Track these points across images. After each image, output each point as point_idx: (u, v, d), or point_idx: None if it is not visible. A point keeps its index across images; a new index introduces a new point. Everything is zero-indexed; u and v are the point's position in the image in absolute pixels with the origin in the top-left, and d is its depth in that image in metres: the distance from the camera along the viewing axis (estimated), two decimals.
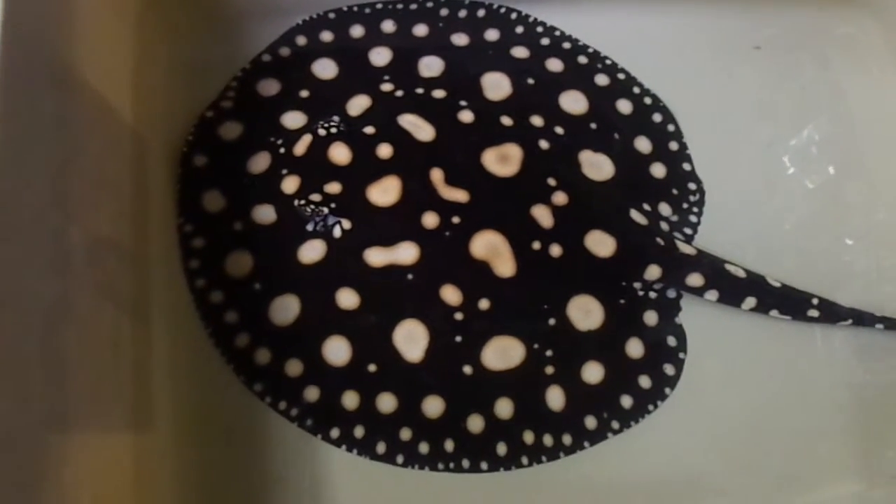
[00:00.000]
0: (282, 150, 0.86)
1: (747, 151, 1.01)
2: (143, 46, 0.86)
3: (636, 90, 1.00)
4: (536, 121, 0.93)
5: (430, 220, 0.83)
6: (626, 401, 0.85)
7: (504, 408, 0.83)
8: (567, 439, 0.83)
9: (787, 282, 0.91)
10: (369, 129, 0.86)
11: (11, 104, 0.57)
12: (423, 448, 0.81)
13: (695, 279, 0.89)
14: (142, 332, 0.78)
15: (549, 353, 0.84)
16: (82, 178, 0.69)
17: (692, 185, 0.97)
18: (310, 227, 0.84)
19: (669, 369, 0.88)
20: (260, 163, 0.87)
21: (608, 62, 1.01)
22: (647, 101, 1.00)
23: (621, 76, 1.01)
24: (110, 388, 0.70)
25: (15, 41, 0.59)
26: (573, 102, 0.96)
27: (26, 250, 0.58)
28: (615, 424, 0.85)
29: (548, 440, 0.83)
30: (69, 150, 0.67)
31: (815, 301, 0.91)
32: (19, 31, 0.59)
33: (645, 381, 0.87)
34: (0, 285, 0.53)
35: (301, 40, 0.97)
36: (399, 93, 0.92)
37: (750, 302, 0.90)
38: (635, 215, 0.90)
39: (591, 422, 0.84)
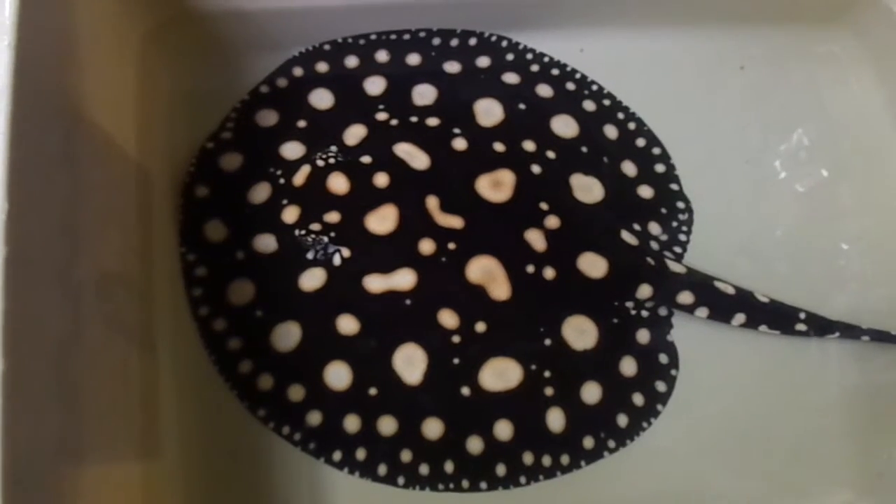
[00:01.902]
0: (281, 181, 0.88)
1: (735, 164, 1.04)
2: (144, 81, 0.88)
3: (620, 115, 1.03)
4: (528, 146, 0.95)
5: (426, 246, 0.85)
6: (622, 419, 0.87)
7: (503, 429, 0.84)
8: (565, 459, 0.85)
9: (782, 288, 0.94)
10: (366, 159, 0.88)
11: (23, 142, 0.59)
12: (424, 469, 0.83)
13: (685, 297, 0.91)
14: (148, 361, 0.80)
15: (546, 373, 0.86)
16: (90, 211, 0.71)
17: (680, 205, 0.99)
18: (310, 256, 0.86)
19: (661, 386, 0.90)
20: (260, 193, 0.89)
21: (594, 88, 1.04)
22: (632, 126, 1.02)
23: (606, 102, 1.03)
24: (120, 418, 0.72)
25: (25, 81, 0.61)
26: (564, 126, 0.99)
27: (39, 284, 0.60)
28: (611, 443, 0.87)
29: (546, 460, 0.85)
30: (77, 185, 0.69)
31: (802, 315, 0.93)
32: (29, 71, 0.62)
33: (638, 399, 0.89)
34: (15, 318, 0.55)
35: (297, 71, 0.99)
36: (394, 121, 0.94)
37: (739, 318, 0.92)
38: (626, 236, 0.92)
39: (588, 442, 0.86)
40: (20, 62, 0.61)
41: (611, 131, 1.01)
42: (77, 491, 0.61)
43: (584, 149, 0.98)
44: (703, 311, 0.92)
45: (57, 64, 0.69)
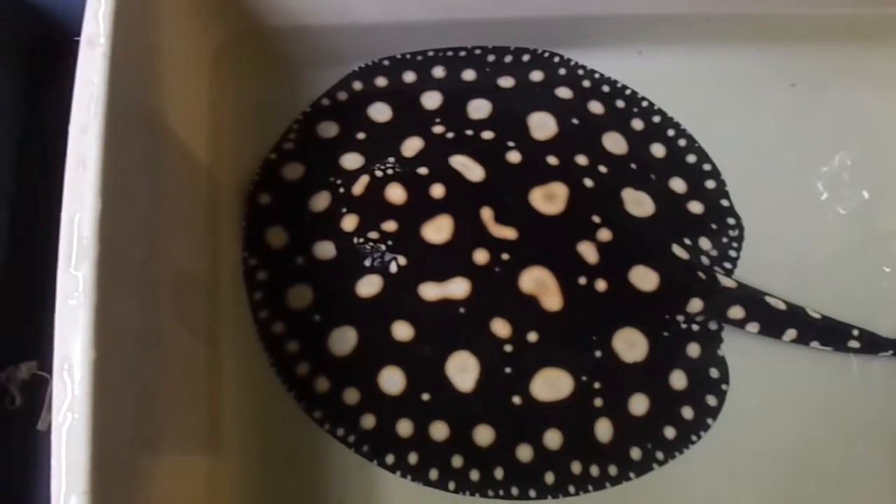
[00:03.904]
0: (341, 190, 0.91)
1: (782, 182, 1.04)
2: (215, 93, 0.92)
3: (671, 132, 1.04)
4: (581, 160, 0.96)
5: (480, 256, 0.87)
6: (670, 432, 0.88)
7: (553, 438, 0.85)
8: (613, 470, 0.85)
9: (825, 310, 0.94)
10: (423, 170, 0.90)
11: (113, 147, 0.63)
12: (474, 475, 0.84)
13: (736, 311, 0.91)
14: (213, 360, 0.82)
15: (597, 385, 0.87)
16: (165, 213, 0.75)
17: (731, 221, 1.00)
18: (367, 263, 0.88)
19: (712, 400, 0.90)
20: (320, 202, 0.91)
21: (644, 105, 1.05)
22: (682, 142, 1.04)
23: (657, 119, 1.05)
24: (188, 412, 0.74)
25: (115, 89, 0.65)
26: (614, 144, 1.00)
27: (122, 280, 0.63)
28: (660, 455, 0.87)
29: (594, 470, 0.85)
30: (155, 189, 0.73)
31: (855, 332, 0.93)
32: (118, 79, 0.65)
33: (688, 413, 0.89)
34: (104, 312, 0.58)
35: (357, 85, 1.02)
36: (450, 135, 0.97)
37: (791, 333, 0.92)
38: (677, 250, 0.93)
39: (636, 453, 0.86)
40: (112, 71, 0.65)
41: (658, 149, 1.02)
42: (151, 478, 0.63)
43: (635, 164, 1.00)
44: (753, 326, 0.92)
45: (141, 74, 0.73)
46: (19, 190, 0.93)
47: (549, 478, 0.85)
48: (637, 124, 1.04)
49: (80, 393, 0.54)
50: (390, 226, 0.87)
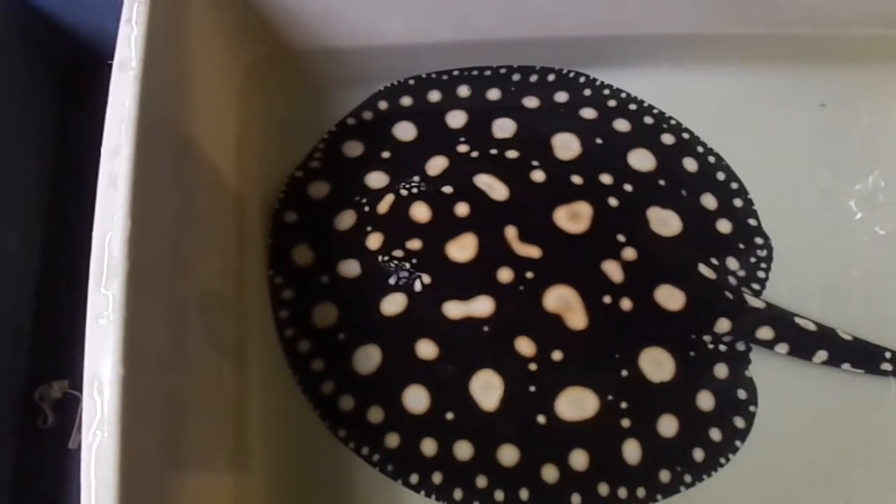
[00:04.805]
0: (366, 209, 0.91)
1: (813, 203, 1.03)
2: (243, 113, 0.94)
3: (700, 149, 1.04)
4: (605, 179, 0.96)
5: (504, 274, 0.87)
6: (699, 454, 0.86)
7: (579, 458, 0.84)
8: (641, 492, 0.84)
9: (858, 332, 0.92)
10: (447, 189, 0.91)
11: (143, 167, 0.64)
12: (499, 496, 0.83)
13: (764, 332, 0.90)
14: (240, 378, 0.83)
15: (623, 405, 0.86)
16: (194, 233, 0.76)
17: (759, 240, 0.99)
18: (392, 281, 0.88)
19: (740, 422, 0.89)
20: (346, 220, 0.92)
21: (672, 122, 1.05)
22: (711, 159, 1.03)
23: (685, 136, 1.04)
24: (215, 430, 0.75)
25: (146, 111, 0.66)
26: (641, 160, 1.00)
27: (151, 298, 0.64)
28: (688, 478, 0.85)
29: (622, 493, 0.84)
30: (184, 209, 0.74)
31: (887, 354, 0.91)
32: (149, 101, 0.67)
33: (716, 434, 0.87)
34: (132, 329, 0.59)
35: (383, 105, 1.03)
36: (474, 154, 0.97)
37: (821, 355, 0.91)
38: (704, 270, 0.92)
39: (665, 475, 0.85)
40: (143, 94, 0.66)
41: (690, 164, 1.02)
42: (178, 496, 0.64)
43: (662, 182, 0.99)
44: (783, 347, 0.91)
45: (171, 97, 0.74)
46: (52, 209, 0.95)
47: (576, 499, 0.83)
48: (667, 139, 1.03)
49: (109, 411, 0.55)
50: (415, 244, 0.87)
